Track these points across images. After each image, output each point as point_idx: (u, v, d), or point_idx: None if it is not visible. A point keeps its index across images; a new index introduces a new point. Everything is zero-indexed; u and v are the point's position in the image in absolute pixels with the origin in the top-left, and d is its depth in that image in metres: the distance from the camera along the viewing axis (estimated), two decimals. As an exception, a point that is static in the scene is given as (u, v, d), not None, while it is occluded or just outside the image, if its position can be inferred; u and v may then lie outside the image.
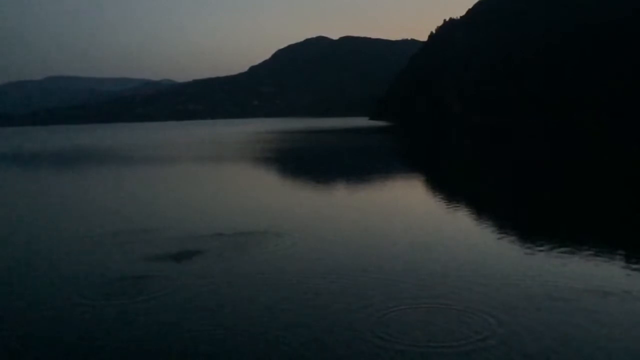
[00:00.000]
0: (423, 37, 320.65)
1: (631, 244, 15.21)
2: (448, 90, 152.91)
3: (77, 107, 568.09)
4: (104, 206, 24.11)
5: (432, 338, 8.68)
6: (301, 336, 8.95)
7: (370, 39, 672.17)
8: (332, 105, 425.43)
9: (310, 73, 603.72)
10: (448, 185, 30.65)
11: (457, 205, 22.39)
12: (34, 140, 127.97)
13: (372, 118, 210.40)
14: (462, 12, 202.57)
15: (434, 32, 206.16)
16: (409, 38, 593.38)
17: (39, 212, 23.32)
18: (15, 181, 40.25)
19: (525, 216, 20.16)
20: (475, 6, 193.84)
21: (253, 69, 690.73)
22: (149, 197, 27.46)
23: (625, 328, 8.95)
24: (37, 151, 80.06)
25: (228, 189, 29.98)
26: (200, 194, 27.53)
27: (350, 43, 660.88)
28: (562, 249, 13.99)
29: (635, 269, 12.21)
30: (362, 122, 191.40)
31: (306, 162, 50.07)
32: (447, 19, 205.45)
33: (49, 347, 9.01)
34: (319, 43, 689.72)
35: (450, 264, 12.77)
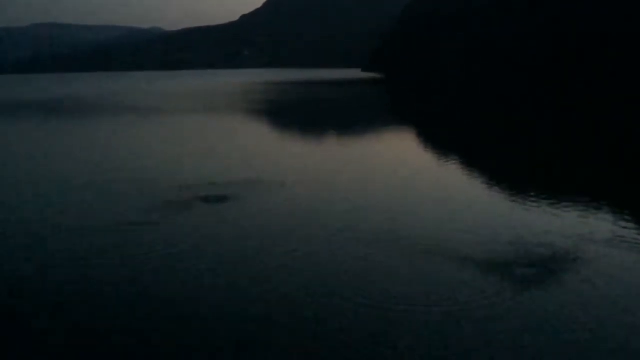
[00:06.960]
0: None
1: (614, 196, 15.59)
2: (441, 42, 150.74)
3: (63, 55, 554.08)
4: (98, 156, 24.06)
5: (419, 289, 9.01)
6: (298, 286, 9.29)
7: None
8: (325, 57, 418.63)
9: (302, 23, 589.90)
10: (439, 139, 30.76)
11: (448, 159, 22.62)
12: (20, 89, 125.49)
13: (364, 70, 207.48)
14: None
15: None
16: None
17: (38, 162, 23.21)
18: (6, 131, 39.80)
19: (515, 170, 20.47)
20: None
21: (244, 18, 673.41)
22: (147, 147, 27.36)
23: (610, 274, 9.32)
24: (26, 100, 78.61)
25: (221, 141, 29.86)
26: (195, 145, 27.44)
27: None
28: (552, 201, 14.35)
29: (619, 219, 12.57)
30: (355, 73, 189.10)
31: (299, 114, 49.84)
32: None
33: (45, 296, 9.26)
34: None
35: (443, 218, 13.15)
